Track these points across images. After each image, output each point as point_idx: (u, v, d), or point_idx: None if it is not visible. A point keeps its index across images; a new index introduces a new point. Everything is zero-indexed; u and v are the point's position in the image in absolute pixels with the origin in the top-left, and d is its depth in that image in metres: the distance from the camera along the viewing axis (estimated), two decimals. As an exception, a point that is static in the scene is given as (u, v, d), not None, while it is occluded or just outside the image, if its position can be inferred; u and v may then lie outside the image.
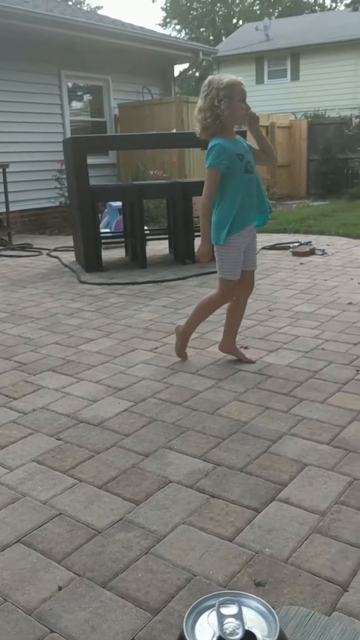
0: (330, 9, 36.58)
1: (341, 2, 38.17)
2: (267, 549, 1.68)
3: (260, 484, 2.00)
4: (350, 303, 4.22)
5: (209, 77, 2.86)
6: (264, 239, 7.17)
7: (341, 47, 18.94)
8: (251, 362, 3.13)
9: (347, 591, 1.52)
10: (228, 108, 2.78)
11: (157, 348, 3.44)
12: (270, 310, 4.13)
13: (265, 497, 1.93)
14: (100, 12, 29.85)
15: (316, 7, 38.30)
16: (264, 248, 6.56)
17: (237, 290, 3.06)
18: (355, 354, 3.20)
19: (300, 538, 1.72)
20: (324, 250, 6.25)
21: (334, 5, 38.72)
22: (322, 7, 38.41)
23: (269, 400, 2.66)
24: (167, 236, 6.45)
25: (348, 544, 1.69)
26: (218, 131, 2.84)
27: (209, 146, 2.84)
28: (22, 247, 7.53)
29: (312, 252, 6.17)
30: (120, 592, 1.55)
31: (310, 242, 6.65)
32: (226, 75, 2.84)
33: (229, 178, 2.84)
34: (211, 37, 37.49)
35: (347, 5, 28.25)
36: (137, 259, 5.93)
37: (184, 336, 3.20)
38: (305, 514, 1.83)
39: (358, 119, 12.36)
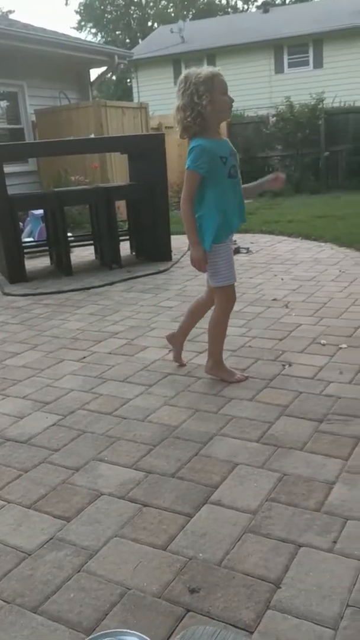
0: (242, 11, 37.31)
1: (252, 4, 39.04)
2: (200, 554, 1.68)
3: (192, 488, 2.00)
4: (274, 299, 4.30)
5: (185, 72, 2.61)
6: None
7: (256, 47, 19.38)
8: (182, 364, 3.12)
9: (280, 588, 1.53)
10: (210, 103, 2.53)
11: (85, 357, 3.38)
12: (197, 311, 4.14)
13: (197, 501, 1.92)
14: (12, 16, 29.18)
15: (229, 9, 39.00)
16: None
17: (205, 297, 2.96)
18: (281, 350, 3.25)
19: (233, 539, 1.73)
20: (248, 248, 6.35)
21: (245, 7, 39.55)
22: (235, 9, 39.15)
23: (199, 402, 2.66)
24: (92, 242, 6.37)
25: (279, 540, 1.71)
26: (200, 130, 2.59)
27: (190, 147, 2.61)
28: None
29: (237, 250, 6.25)
30: (52, 616, 1.50)
31: (235, 240, 6.74)
32: (203, 68, 2.60)
33: (211, 182, 2.61)
34: (127, 40, 37.47)
35: (258, 7, 28.89)
36: (62, 267, 5.83)
37: (218, 364, 2.90)
38: (237, 515, 1.84)
39: (274, 118, 12.65)
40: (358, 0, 20.72)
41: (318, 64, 19.11)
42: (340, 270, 5.06)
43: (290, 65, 19.47)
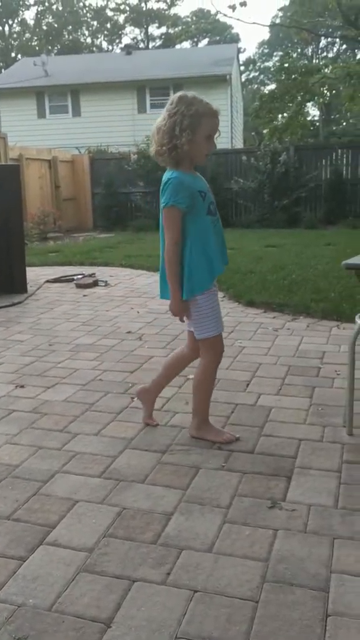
0: (107, 51, 38.25)
1: (117, 45, 40.19)
2: (30, 600, 1.60)
3: (28, 530, 1.91)
4: (129, 332, 4.34)
5: (181, 93, 2.33)
6: (48, 272, 7.10)
7: (119, 87, 19.88)
8: (154, 424, 2.68)
9: (110, 627, 1.50)
10: (189, 143, 2.25)
11: None
12: (50, 345, 4.06)
13: (32, 543, 1.84)
14: None
15: (94, 48, 39.79)
16: (47, 281, 6.49)
17: (187, 350, 2.61)
18: (131, 382, 3.27)
19: (66, 581, 1.67)
20: (106, 281, 6.38)
21: (110, 47, 40.61)
22: (100, 49, 40.04)
23: (43, 439, 2.58)
24: None
25: (114, 577, 1.68)
26: (174, 163, 2.33)
27: (165, 179, 2.32)
28: None
29: (95, 283, 6.25)
30: None
31: (94, 273, 6.74)
32: (202, 99, 2.29)
33: (191, 220, 2.33)
34: (-11, 69, 36.74)
35: (122, 49, 29.79)
36: None
37: (204, 424, 2.56)
38: (73, 554, 1.79)
39: (136, 155, 12.97)
40: (215, 52, 22.15)
41: (179, 107, 19.99)
42: (193, 304, 5.23)
43: (153, 106, 20.16)
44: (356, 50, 15.74)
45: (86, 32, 41.37)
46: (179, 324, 4.49)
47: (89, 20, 40.76)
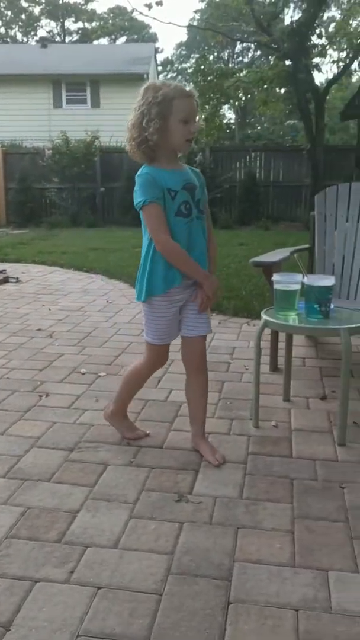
0: (21, 43, 37.20)
1: (32, 38, 39.18)
2: None
3: None
4: (39, 329, 4.24)
5: (149, 82, 2.15)
6: None
7: (35, 80, 19.36)
8: (215, 462, 2.28)
9: (9, 630, 1.45)
10: (159, 132, 2.05)
11: None
12: None
13: None
14: None
15: (8, 39, 38.58)
16: None
17: (185, 365, 2.39)
18: (40, 380, 3.19)
19: (-36, 585, 1.60)
20: (17, 278, 6.20)
21: (25, 39, 39.52)
22: (14, 40, 38.87)
23: None
24: None
25: (15, 579, 1.63)
26: (146, 158, 2.14)
27: (137, 175, 2.14)
28: None
29: (5, 280, 6.06)
30: None
31: (4, 270, 6.54)
32: (170, 82, 2.10)
33: None
34: None
35: (37, 41, 29.10)
36: None
37: (117, 417, 2.51)
38: (-28, 558, 1.72)
39: (50, 151, 12.72)
40: (132, 50, 22.09)
41: (95, 103, 19.78)
42: (107, 301, 5.19)
43: (69, 102, 19.84)
44: (270, 57, 16.19)
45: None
46: (91, 321, 4.46)
47: (2, 9, 39.48)
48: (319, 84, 13.42)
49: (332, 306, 2.58)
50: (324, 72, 25.69)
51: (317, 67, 13.91)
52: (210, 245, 2.27)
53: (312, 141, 12.27)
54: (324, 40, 13.21)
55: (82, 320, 4.52)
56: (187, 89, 2.09)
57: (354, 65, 14.91)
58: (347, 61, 13.83)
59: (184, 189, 2.14)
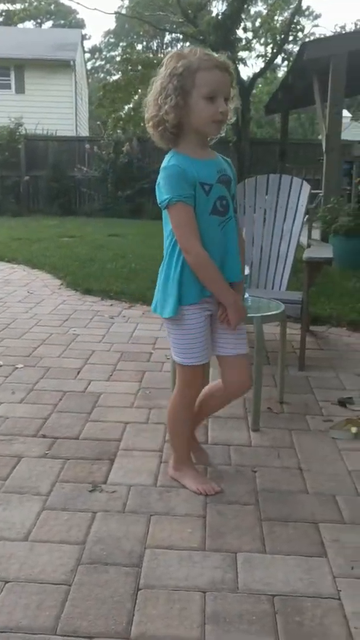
0: None
1: None
2: None
3: None
4: None
5: (175, 50, 1.80)
6: None
7: None
8: (207, 463, 2.18)
9: None
10: (175, 110, 1.71)
11: None
12: None
13: None
14: None
15: None
16: None
17: (228, 387, 2.02)
18: None
19: None
20: None
21: None
22: None
23: None
24: None
25: None
26: (168, 142, 1.82)
27: (162, 166, 1.79)
28: None
29: None
30: None
31: None
32: (198, 50, 1.74)
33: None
34: None
35: None
36: None
37: (182, 465, 2.08)
38: None
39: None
40: (58, 36, 21.59)
41: (20, 89, 19.20)
42: (28, 292, 5.08)
43: (-6, 86, 19.18)
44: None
45: None
46: (10, 312, 4.36)
47: None
48: (245, 78, 13.62)
49: (246, 295, 2.63)
50: (249, 66, 26.07)
51: (243, 60, 14.11)
52: (240, 252, 1.94)
53: (238, 134, 12.44)
54: (249, 34, 13.40)
55: (1, 311, 4.40)
56: (219, 58, 1.72)
57: (278, 60, 15.22)
58: (272, 56, 14.08)
59: (220, 182, 1.81)
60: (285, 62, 16.28)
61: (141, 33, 29.35)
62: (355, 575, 1.62)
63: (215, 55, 1.73)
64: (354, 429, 2.47)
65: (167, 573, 1.61)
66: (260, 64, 14.13)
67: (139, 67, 15.15)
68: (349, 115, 30.31)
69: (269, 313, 2.52)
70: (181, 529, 1.81)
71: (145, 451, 2.30)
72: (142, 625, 1.43)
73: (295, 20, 13.92)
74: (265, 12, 15.83)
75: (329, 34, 29.47)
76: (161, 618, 1.45)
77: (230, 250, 1.87)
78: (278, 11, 15.80)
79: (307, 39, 23.07)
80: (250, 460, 2.24)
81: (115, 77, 26.78)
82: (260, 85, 23.95)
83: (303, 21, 28.63)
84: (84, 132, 22.60)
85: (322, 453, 2.30)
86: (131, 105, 15.97)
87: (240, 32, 12.82)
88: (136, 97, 15.39)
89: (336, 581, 1.59)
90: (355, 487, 2.07)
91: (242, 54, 14.59)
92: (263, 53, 14.88)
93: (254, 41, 15.07)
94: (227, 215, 1.84)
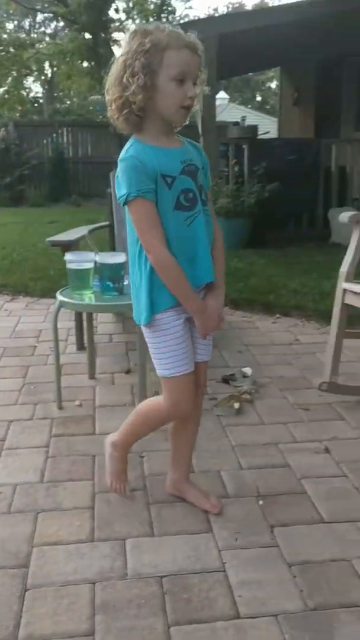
0: None
1: None
2: None
3: None
4: None
5: (137, 26, 1.61)
6: None
7: None
8: (214, 510, 1.86)
9: None
10: (143, 91, 1.52)
11: None
12: None
13: None
14: None
15: None
16: None
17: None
18: None
19: None
20: None
21: None
22: None
23: None
24: None
25: None
26: (131, 127, 1.62)
27: (119, 158, 1.59)
28: None
29: None
30: None
31: None
32: (166, 27, 1.55)
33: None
34: None
35: None
36: None
37: (119, 453, 1.93)
38: None
39: None
40: None
41: None
42: None
43: None
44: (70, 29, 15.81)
45: None
46: None
47: None
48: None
49: (126, 282, 2.63)
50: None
51: (117, 42, 13.92)
52: (216, 248, 1.73)
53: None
54: (122, 15, 13.26)
55: None
56: (188, 37, 1.55)
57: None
58: (146, 38, 14.02)
59: (184, 173, 1.62)
60: (160, 44, 16.30)
61: (10, 12, 28.13)
62: (239, 546, 1.69)
63: (185, 33, 1.55)
64: (236, 405, 2.56)
65: (55, 569, 1.60)
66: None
67: (11, 49, 14.54)
68: (227, 97, 31.00)
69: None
70: (69, 523, 1.79)
71: (31, 448, 2.25)
72: (30, 626, 1.41)
73: (166, 2, 13.95)
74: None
75: (202, 16, 29.88)
76: (50, 616, 1.44)
77: (200, 248, 1.65)
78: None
79: (181, 22, 23.24)
80: (138, 446, 2.24)
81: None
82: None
83: (176, 3, 28.85)
84: None
85: (208, 431, 2.37)
86: (5, 88, 15.33)
87: (112, 13, 12.65)
88: (9, 80, 14.79)
89: (221, 554, 1.66)
90: (238, 461, 2.15)
91: (116, 35, 14.40)
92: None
93: (128, 22, 14.94)
94: (195, 209, 1.63)
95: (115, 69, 1.57)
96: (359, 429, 2.37)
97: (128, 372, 3.02)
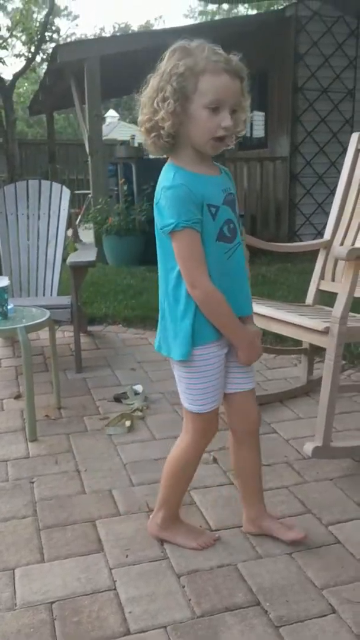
0: None
1: None
2: None
3: None
4: None
5: (181, 42, 1.46)
6: None
7: None
8: (299, 536, 1.77)
9: None
10: (173, 118, 1.42)
11: None
12: None
13: None
14: None
15: None
16: None
17: (231, 426, 1.77)
18: None
19: None
20: None
21: None
22: None
23: None
24: None
25: None
26: (163, 152, 1.52)
27: (161, 185, 1.49)
28: None
29: None
30: None
31: None
32: (206, 47, 1.43)
33: None
34: None
35: None
36: None
37: (169, 525, 1.79)
38: None
39: None
40: None
41: None
42: None
43: None
44: None
45: None
46: None
47: None
48: (5, 78, 13.24)
49: (10, 306, 2.60)
50: (8, 64, 25.34)
51: (1, 60, 13.69)
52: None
53: (4, 135, 12.09)
54: (4, 33, 13.05)
55: None
56: (229, 61, 1.42)
57: (39, 60, 15.07)
58: (31, 56, 13.90)
59: (226, 203, 1.54)
60: (46, 63, 16.19)
61: None
62: (130, 563, 1.72)
63: (227, 55, 1.43)
64: (127, 423, 2.59)
65: None
66: (22, 63, 13.83)
67: None
68: (117, 115, 31.25)
69: (33, 322, 2.52)
70: None
71: None
72: None
73: (50, 21, 13.89)
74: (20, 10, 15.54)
75: (90, 35, 30.04)
76: None
77: (239, 281, 1.60)
78: (37, 9, 15.63)
79: (68, 39, 23.21)
80: (28, 472, 2.23)
81: None
82: (26, 85, 23.50)
83: (62, 22, 28.76)
84: None
85: (99, 451, 2.38)
86: None
87: (-5, 30, 12.42)
88: None
89: (112, 573, 1.67)
90: (129, 478, 2.18)
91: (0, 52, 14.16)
92: (21, 53, 14.60)
93: (12, 40, 14.72)
94: (235, 241, 1.56)
95: (148, 89, 1.47)
96: (244, 437, 2.48)
97: (17, 397, 2.96)
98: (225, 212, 1.52)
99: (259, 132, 8.44)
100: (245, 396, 1.71)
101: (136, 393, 2.91)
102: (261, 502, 1.82)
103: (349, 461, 2.27)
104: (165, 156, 1.54)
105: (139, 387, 2.96)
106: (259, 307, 2.40)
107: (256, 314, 2.19)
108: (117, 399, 2.87)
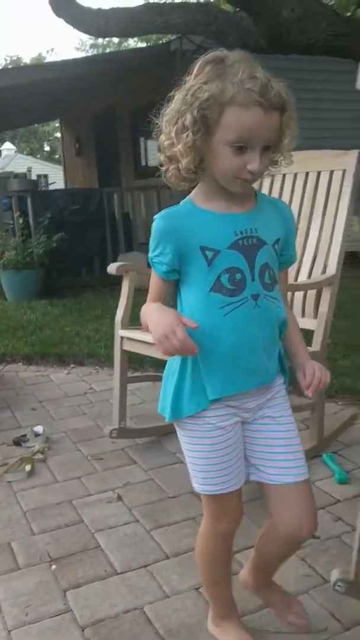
0: None
1: None
2: None
3: None
4: None
5: (214, 54, 1.17)
6: None
7: None
8: (298, 622, 1.49)
9: None
10: (192, 152, 1.17)
11: None
12: None
13: None
14: None
15: None
16: None
17: (271, 517, 1.36)
18: None
19: None
20: None
21: None
22: None
23: None
24: None
25: None
26: (183, 184, 1.25)
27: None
28: None
29: None
30: None
31: None
32: (241, 67, 1.12)
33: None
34: None
35: None
36: None
37: (220, 620, 1.50)
38: None
39: None
40: None
41: None
42: None
43: None
44: None
45: None
46: None
47: None
48: None
49: None
50: None
51: None
52: (292, 331, 1.37)
53: None
54: None
55: None
56: (268, 90, 1.12)
57: None
58: None
59: (235, 248, 1.23)
60: None
61: None
62: (30, 621, 1.61)
63: (266, 81, 1.12)
64: (27, 467, 2.48)
65: None
66: None
67: None
68: (14, 147, 30.84)
69: None
70: None
71: None
72: None
73: None
74: None
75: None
76: None
77: (241, 349, 1.25)
78: None
79: None
80: None
81: None
82: None
83: None
84: None
85: (-3, 501, 2.25)
86: None
87: None
88: None
89: (11, 635, 1.57)
90: (30, 527, 2.07)
91: None
92: None
93: None
94: (240, 295, 1.23)
95: (171, 109, 1.20)
96: (149, 471, 2.44)
97: None
98: (229, 259, 1.23)
99: (153, 161, 8.59)
100: (289, 491, 1.32)
101: (37, 434, 2.79)
102: (269, 577, 1.54)
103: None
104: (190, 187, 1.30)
105: (39, 428, 2.85)
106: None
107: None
108: (17, 442, 2.75)
